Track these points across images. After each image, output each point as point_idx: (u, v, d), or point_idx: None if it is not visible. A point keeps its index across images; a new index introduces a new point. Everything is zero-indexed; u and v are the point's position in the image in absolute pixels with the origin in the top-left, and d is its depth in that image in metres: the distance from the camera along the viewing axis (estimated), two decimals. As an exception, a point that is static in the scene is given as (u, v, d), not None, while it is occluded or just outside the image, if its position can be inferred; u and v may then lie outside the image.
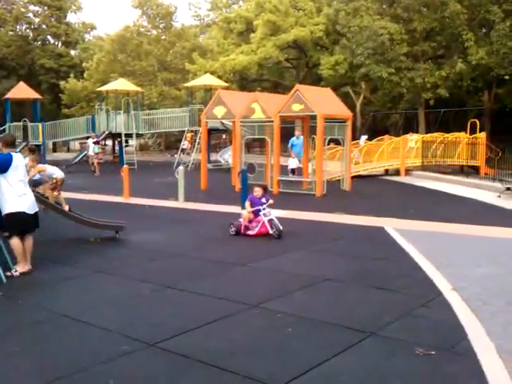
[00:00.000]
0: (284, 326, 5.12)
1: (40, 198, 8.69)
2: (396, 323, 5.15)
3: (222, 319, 5.32)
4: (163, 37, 45.80)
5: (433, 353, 4.45)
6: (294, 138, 20.43)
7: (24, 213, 6.99)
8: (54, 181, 8.36)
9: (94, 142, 24.95)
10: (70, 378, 4.07)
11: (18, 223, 6.98)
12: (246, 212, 9.70)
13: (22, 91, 31.61)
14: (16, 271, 6.93)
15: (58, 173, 8.74)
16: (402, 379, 4.03)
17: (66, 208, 8.88)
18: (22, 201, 6.98)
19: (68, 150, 46.54)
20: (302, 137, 20.46)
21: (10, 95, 31.11)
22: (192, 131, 27.37)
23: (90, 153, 24.68)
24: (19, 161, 7.11)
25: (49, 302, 5.92)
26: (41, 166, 10.86)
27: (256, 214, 9.66)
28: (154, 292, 6.29)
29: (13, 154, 7.04)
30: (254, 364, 4.31)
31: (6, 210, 6.95)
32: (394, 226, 10.33)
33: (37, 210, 7.32)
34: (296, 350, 4.57)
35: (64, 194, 14.74)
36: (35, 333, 5.04)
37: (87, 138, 28.07)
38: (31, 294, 6.30)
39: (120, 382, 4.02)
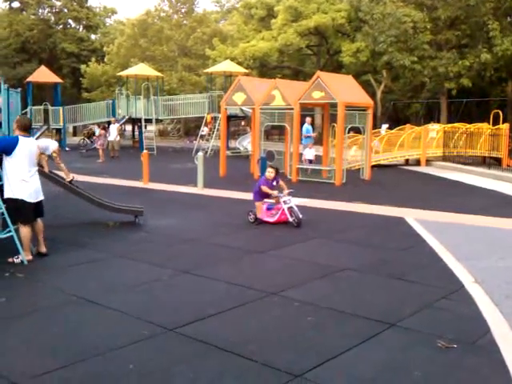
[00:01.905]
0: (302, 315, 5.08)
1: (63, 183, 8.74)
2: (417, 315, 5.08)
3: (240, 306, 5.30)
4: (184, 22, 45.70)
5: (455, 346, 4.38)
6: (309, 126, 19.60)
7: (22, 200, 6.73)
8: (55, 154, 8.33)
9: (99, 126, 24.76)
10: (89, 362, 4.08)
11: (16, 210, 6.76)
12: (259, 204, 9.64)
13: (43, 75, 31.84)
14: (18, 258, 6.77)
15: (52, 144, 8.71)
16: (424, 372, 3.97)
17: (70, 177, 8.77)
18: (22, 187, 6.74)
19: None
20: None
21: (31, 79, 31.34)
22: (212, 117, 27.24)
23: (111, 138, 24.68)
24: (27, 145, 6.81)
25: (68, 285, 5.95)
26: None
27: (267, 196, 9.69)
28: (172, 277, 6.29)
29: (21, 137, 6.79)
30: (272, 352, 4.28)
31: (6, 195, 6.76)
32: (414, 217, 10.22)
33: (41, 198, 7.06)
34: (315, 340, 4.53)
35: (84, 178, 14.89)
36: (54, 315, 5.06)
37: (108, 122, 28.14)
38: (51, 277, 6.34)
39: (139, 366, 4.02)
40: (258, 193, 9.74)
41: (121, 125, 29.02)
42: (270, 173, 9.74)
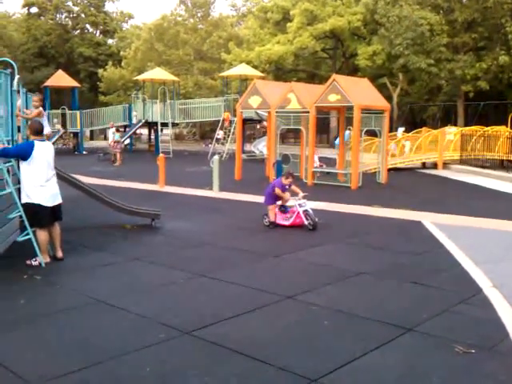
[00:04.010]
0: (319, 319, 5.06)
1: (82, 187, 8.81)
2: (434, 320, 5.03)
3: (256, 310, 5.30)
4: (200, 26, 45.92)
5: (473, 351, 4.33)
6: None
7: (39, 204, 6.79)
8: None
9: (117, 130, 24.84)
10: (106, 364, 4.10)
11: (33, 214, 6.81)
12: (272, 207, 9.62)
13: (60, 79, 32.17)
14: (36, 260, 6.83)
15: (46, 128, 8.78)
16: (442, 377, 3.93)
17: None
18: (39, 192, 6.80)
19: (105, 138, 47.15)
20: None
21: (49, 83, 31.69)
22: (230, 120, 27.16)
23: (127, 141, 24.78)
24: (43, 150, 6.85)
25: (85, 288, 5.99)
26: (42, 111, 10.68)
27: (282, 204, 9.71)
28: (188, 280, 6.30)
29: (37, 142, 6.84)
30: (289, 356, 4.27)
31: (23, 200, 6.84)
32: (431, 220, 10.14)
33: (58, 202, 7.09)
34: (331, 344, 4.51)
35: (102, 181, 15.01)
36: (71, 317, 5.09)
37: (125, 126, 28.32)
38: (68, 279, 6.39)
39: (156, 369, 4.03)
40: (271, 196, 9.72)
41: (136, 129, 29.12)
42: (288, 179, 9.73)
